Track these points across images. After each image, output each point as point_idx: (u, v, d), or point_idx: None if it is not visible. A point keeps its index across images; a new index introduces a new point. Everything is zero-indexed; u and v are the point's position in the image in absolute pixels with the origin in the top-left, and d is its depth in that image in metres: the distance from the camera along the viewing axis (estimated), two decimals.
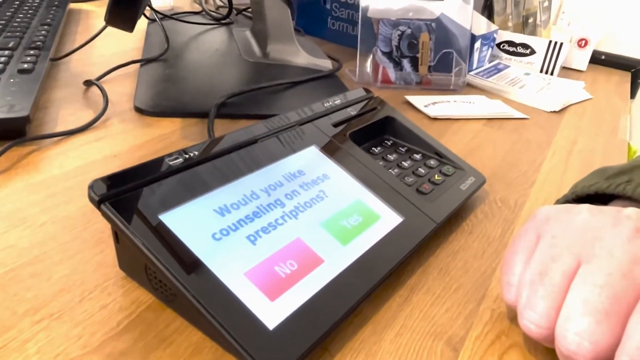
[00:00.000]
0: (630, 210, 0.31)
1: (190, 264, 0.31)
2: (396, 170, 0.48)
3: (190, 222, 0.33)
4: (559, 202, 0.42)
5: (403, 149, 0.52)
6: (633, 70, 1.07)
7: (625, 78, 1.05)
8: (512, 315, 0.36)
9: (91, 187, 0.32)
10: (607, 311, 0.28)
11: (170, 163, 0.36)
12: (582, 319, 0.28)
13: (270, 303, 0.31)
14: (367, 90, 0.56)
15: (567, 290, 0.30)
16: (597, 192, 0.39)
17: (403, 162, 0.49)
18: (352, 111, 0.51)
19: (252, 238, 0.34)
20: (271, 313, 0.30)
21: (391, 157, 0.50)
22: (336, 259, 0.35)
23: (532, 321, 0.30)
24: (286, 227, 0.36)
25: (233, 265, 0.32)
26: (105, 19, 0.47)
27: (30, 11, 0.80)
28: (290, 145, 0.43)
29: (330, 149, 0.44)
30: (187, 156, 0.37)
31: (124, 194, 0.32)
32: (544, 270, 0.31)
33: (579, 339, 0.28)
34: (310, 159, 0.43)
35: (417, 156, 0.51)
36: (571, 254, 0.30)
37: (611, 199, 0.38)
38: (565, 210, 0.34)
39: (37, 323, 0.31)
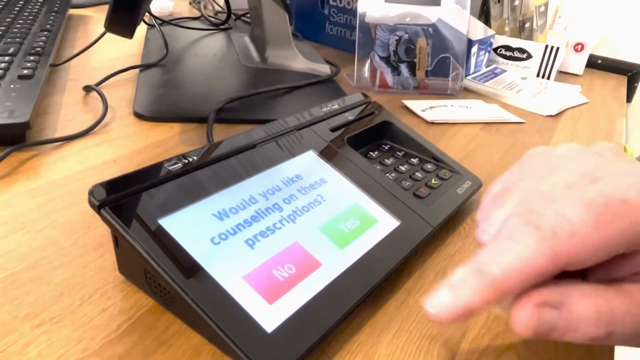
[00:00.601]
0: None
1: (189, 268, 0.31)
2: (393, 174, 0.48)
3: (190, 226, 0.33)
4: None
5: (400, 154, 0.52)
6: (629, 74, 1.08)
7: (622, 82, 1.05)
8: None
9: (91, 192, 0.32)
10: (531, 210, 0.28)
11: (170, 168, 0.36)
12: (503, 211, 0.29)
13: (269, 306, 0.31)
14: (364, 95, 0.56)
15: None
16: None
17: (400, 167, 0.49)
18: (350, 116, 0.51)
19: (250, 242, 0.34)
20: (269, 316, 0.30)
21: (388, 161, 0.50)
22: (334, 263, 0.35)
23: (484, 231, 0.31)
24: (284, 231, 0.36)
25: (232, 269, 0.32)
26: (105, 26, 0.47)
27: (30, 17, 0.81)
28: (289, 149, 0.43)
29: (327, 154, 0.45)
30: (186, 161, 0.37)
31: (123, 199, 0.33)
32: (508, 187, 0.31)
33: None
34: (308, 164, 0.43)
35: (414, 160, 0.51)
36: (535, 175, 0.31)
37: None
38: (552, 148, 0.34)
39: (38, 327, 0.32)
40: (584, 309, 0.26)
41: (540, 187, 0.29)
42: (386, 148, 0.53)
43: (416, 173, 0.49)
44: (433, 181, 0.48)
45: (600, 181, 0.27)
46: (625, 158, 0.30)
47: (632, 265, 0.27)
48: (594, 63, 1.09)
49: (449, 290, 0.27)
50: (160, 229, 0.32)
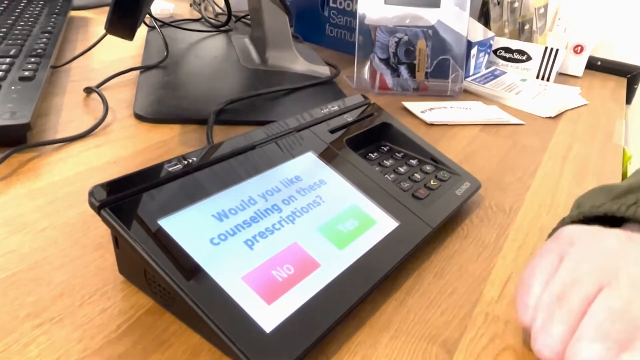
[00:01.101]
0: None
1: (189, 268, 0.31)
2: (392, 175, 0.48)
3: (189, 227, 0.33)
4: (564, 221, 0.39)
5: (399, 155, 0.52)
6: (629, 76, 1.08)
7: (621, 84, 1.05)
8: (506, 318, 0.36)
9: (91, 193, 0.32)
10: (620, 339, 0.27)
11: (170, 169, 0.36)
12: (592, 344, 0.27)
13: (267, 306, 0.31)
14: (364, 97, 0.56)
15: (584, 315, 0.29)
16: (606, 214, 0.36)
17: (399, 168, 0.50)
18: (349, 117, 0.51)
19: (249, 243, 0.34)
20: (268, 316, 0.31)
21: (387, 162, 0.50)
22: (332, 263, 0.36)
23: (546, 345, 0.30)
24: (283, 231, 0.36)
25: (231, 270, 0.32)
26: (105, 28, 0.48)
27: (31, 19, 0.81)
28: (288, 151, 0.44)
29: (327, 155, 0.45)
30: (186, 162, 0.37)
31: (123, 200, 0.33)
32: (562, 294, 0.30)
33: None
34: (307, 165, 0.43)
35: (413, 162, 0.51)
36: (593, 279, 0.30)
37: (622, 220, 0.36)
38: (592, 234, 0.33)
39: (38, 327, 0.32)
40: None
41: (607, 301, 0.28)
42: (385, 149, 0.53)
43: (415, 174, 0.49)
44: (432, 182, 0.48)
45: None
46: None
47: None
48: (593, 65, 1.09)
49: None
50: (160, 230, 0.32)
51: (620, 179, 0.62)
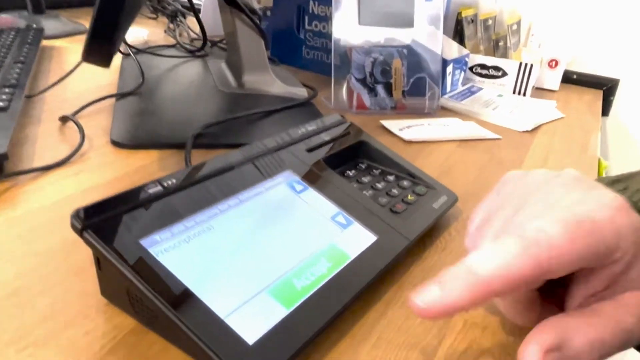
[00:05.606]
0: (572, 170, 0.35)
1: (171, 285, 0.32)
2: (370, 191, 0.49)
3: (169, 245, 0.34)
4: None
5: (377, 172, 0.53)
6: (605, 88, 1.10)
7: (598, 96, 1.08)
8: (483, 325, 0.37)
9: (74, 216, 0.33)
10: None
11: (149, 191, 0.37)
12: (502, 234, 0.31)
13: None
14: (341, 116, 0.57)
15: None
16: None
17: (377, 184, 0.50)
18: (326, 137, 0.52)
19: None
20: (250, 328, 0.31)
21: (365, 179, 0.51)
22: None
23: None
24: None
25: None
26: (82, 56, 0.48)
27: (3, 50, 0.81)
28: (266, 170, 0.44)
29: (305, 174, 0.46)
30: (165, 184, 0.38)
31: (105, 222, 0.33)
32: (487, 217, 0.35)
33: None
34: (285, 185, 0.44)
35: (390, 178, 0.52)
36: (512, 204, 0.33)
37: None
38: (524, 173, 0.37)
39: (22, 351, 0.32)
40: (580, 343, 0.28)
41: (516, 217, 0.32)
42: (363, 167, 0.54)
43: (392, 190, 0.50)
44: (409, 197, 0.49)
45: (567, 207, 0.30)
46: (586, 185, 0.33)
47: (601, 280, 0.30)
48: (570, 78, 1.11)
49: (438, 288, 0.28)
50: (142, 249, 0.33)
51: None
